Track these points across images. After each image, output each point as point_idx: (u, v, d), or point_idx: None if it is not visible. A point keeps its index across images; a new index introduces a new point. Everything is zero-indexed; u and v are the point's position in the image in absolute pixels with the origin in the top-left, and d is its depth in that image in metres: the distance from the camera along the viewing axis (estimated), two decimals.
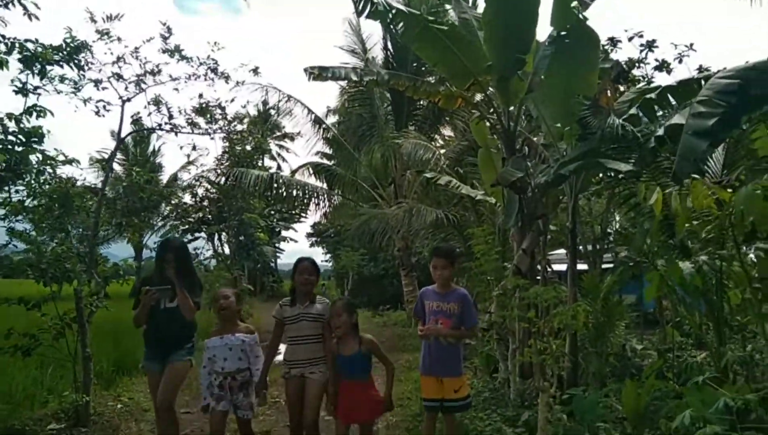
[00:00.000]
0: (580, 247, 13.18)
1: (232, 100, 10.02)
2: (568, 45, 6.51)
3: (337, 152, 17.94)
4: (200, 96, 7.41)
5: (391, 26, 6.03)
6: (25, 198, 5.77)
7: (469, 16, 7.08)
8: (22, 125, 4.48)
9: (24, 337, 5.33)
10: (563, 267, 10.69)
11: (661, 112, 6.44)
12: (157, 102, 6.72)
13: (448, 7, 6.90)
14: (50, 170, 5.16)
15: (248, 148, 13.53)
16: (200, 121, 7.54)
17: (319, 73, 6.95)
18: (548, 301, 4.39)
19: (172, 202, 17.13)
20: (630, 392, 4.74)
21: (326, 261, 34.15)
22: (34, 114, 4.57)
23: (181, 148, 7.71)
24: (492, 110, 7.01)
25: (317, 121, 15.78)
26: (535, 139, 8.23)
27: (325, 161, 19.04)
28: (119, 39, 6.42)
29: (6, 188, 5.01)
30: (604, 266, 10.35)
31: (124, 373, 8.04)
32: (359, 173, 15.80)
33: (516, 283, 5.78)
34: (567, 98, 6.62)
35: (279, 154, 39.74)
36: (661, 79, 11.98)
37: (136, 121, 6.80)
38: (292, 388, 4.19)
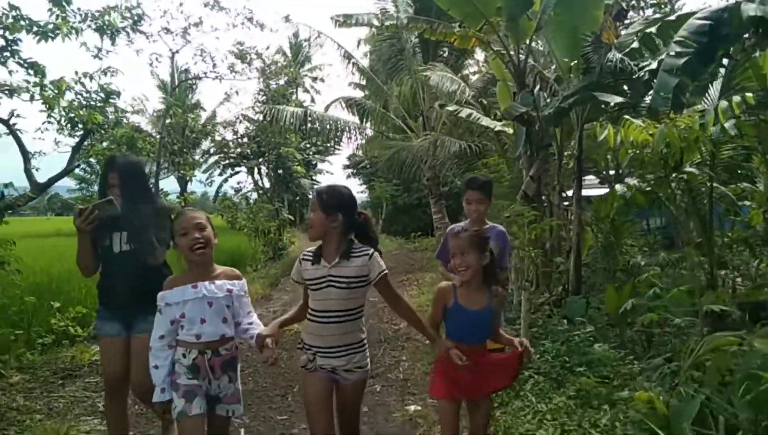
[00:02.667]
0: (604, 173, 13.84)
1: (267, 48, 10.77)
2: None
3: (369, 84, 18.48)
4: (240, 43, 8.19)
5: None
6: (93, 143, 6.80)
7: None
8: (102, 83, 5.44)
9: None
10: (593, 192, 11.41)
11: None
12: (201, 52, 7.54)
13: None
14: (125, 121, 6.13)
15: (281, 82, 14.34)
16: (239, 63, 8.38)
17: (344, 21, 7.64)
18: (527, 217, 5.20)
19: (216, 138, 18.18)
20: (611, 295, 5.61)
21: (362, 192, 35.24)
22: (108, 74, 5.54)
23: (226, 94, 8.58)
24: (503, 48, 7.59)
25: (347, 57, 16.31)
26: (547, 73, 8.76)
27: (356, 94, 19.63)
28: None
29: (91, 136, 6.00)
30: None
31: None
32: (390, 105, 16.40)
33: (520, 206, 6.59)
34: (574, 34, 7.18)
35: (312, 87, 40.26)
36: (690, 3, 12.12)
37: (185, 70, 7.66)
38: (317, 388, 2.74)
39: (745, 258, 7.31)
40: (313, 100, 37.09)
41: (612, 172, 12.69)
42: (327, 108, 17.40)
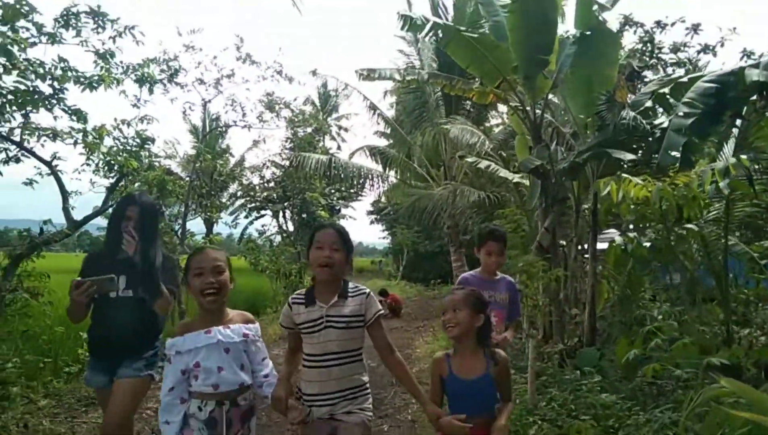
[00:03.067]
0: (624, 226, 13.83)
1: (295, 99, 11.31)
2: (590, 44, 7.33)
3: (393, 133, 19.01)
4: (269, 95, 8.65)
5: (428, 35, 7.01)
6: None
7: (501, 19, 7.93)
8: (138, 130, 5.89)
9: None
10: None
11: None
12: (232, 102, 8.00)
13: (482, 13, 7.76)
14: (157, 164, 6.52)
15: (309, 130, 14.88)
16: (267, 114, 8.83)
17: (368, 74, 8.03)
18: (537, 268, 5.34)
19: (244, 182, 18.76)
20: (623, 346, 5.66)
21: (384, 238, 35.59)
22: (145, 121, 5.97)
23: (254, 141, 8.99)
24: (520, 104, 7.89)
25: (372, 108, 16.86)
26: (564, 128, 9.03)
27: (380, 142, 20.13)
28: (201, 49, 7.75)
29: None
30: None
31: None
32: (414, 152, 16.78)
33: (534, 256, 6.75)
34: (589, 92, 7.45)
35: (338, 135, 41.17)
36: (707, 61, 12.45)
37: (216, 118, 8.11)
38: None
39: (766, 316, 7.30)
40: (339, 147, 37.95)
41: (631, 226, 12.75)
42: (351, 156, 17.86)
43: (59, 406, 5.06)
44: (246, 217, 30.31)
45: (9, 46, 4.54)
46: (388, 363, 2.66)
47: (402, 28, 6.95)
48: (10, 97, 4.89)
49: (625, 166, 7.80)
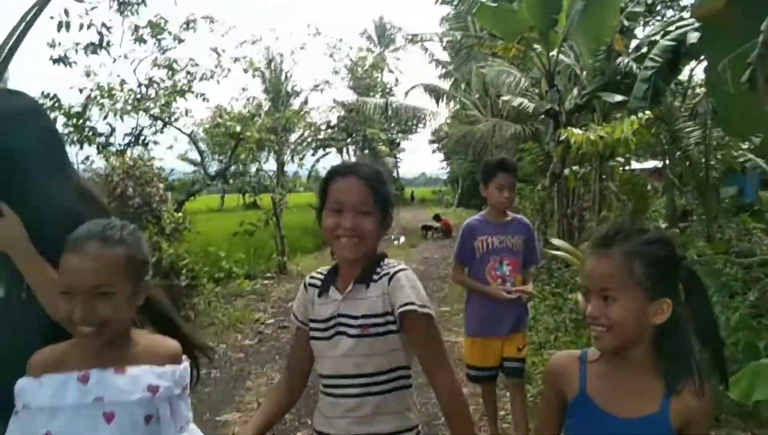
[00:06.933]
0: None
1: (357, 63, 13.30)
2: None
3: (449, 63, 20.40)
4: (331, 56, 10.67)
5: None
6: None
7: None
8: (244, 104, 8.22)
9: (249, 225, 9.29)
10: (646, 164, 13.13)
11: None
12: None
13: None
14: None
15: (367, 65, 16.78)
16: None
17: (412, 38, 9.92)
18: (527, 191, 7.32)
19: (309, 121, 21.07)
20: None
21: (443, 168, 37.52)
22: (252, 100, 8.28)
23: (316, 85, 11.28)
24: (536, 56, 9.62)
25: (425, 48, 18.47)
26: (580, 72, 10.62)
27: (436, 74, 21.61)
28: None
29: None
30: None
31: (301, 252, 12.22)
32: (470, 82, 18.24)
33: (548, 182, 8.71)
34: (595, 41, 9.05)
35: (396, 68, 42.55)
36: None
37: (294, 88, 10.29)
38: None
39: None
40: (397, 81, 39.46)
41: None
42: (407, 94, 19.64)
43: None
44: (312, 155, 32.77)
45: (173, 65, 6.82)
46: (435, 384, 1.50)
47: (436, 3, 8.75)
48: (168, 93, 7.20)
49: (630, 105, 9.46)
